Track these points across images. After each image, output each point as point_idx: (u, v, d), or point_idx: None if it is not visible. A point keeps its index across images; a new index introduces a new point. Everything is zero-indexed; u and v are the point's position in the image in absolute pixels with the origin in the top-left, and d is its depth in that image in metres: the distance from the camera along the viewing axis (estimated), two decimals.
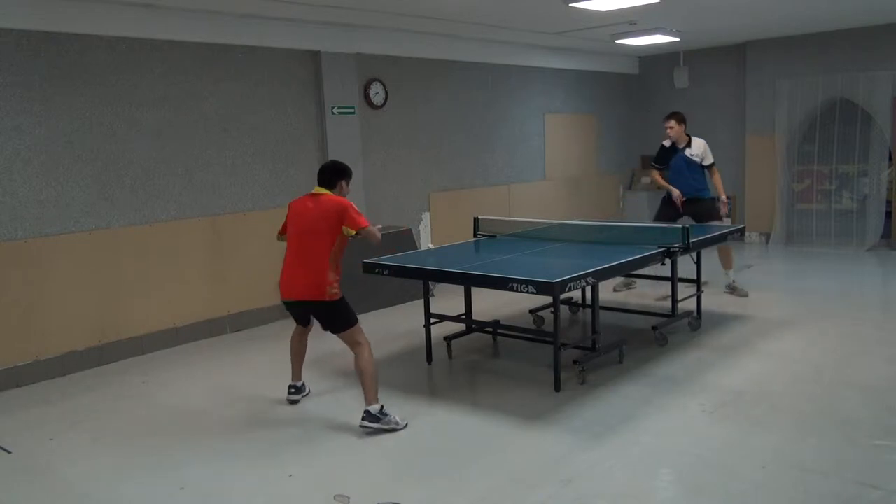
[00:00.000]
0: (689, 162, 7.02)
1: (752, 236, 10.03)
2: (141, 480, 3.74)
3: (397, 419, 4.18)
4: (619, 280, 7.25)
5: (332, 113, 7.16)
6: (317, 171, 4.46)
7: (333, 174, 4.39)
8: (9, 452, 4.14)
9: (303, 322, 4.62)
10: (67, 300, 5.55)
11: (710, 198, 7.07)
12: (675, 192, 6.99)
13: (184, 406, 4.80)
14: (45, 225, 5.43)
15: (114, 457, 4.04)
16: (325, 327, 4.36)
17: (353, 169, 4.56)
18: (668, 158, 7.12)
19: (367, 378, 4.19)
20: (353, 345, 4.27)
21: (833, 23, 8.60)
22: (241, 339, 6.33)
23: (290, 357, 4.73)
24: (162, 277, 6.09)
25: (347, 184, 4.45)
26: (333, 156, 7.08)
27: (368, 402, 4.17)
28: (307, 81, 7.05)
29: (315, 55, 7.06)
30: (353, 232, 4.23)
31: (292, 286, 4.32)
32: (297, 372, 4.74)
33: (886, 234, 9.08)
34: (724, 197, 7.05)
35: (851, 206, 9.36)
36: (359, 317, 4.32)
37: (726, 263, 7.15)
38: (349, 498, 3.40)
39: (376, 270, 5.14)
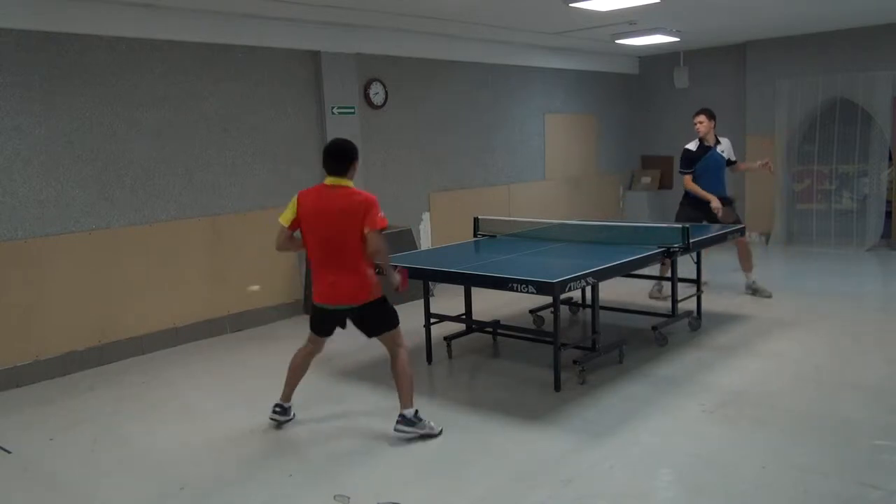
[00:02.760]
0: (722, 161, 6.86)
1: (752, 236, 10.00)
2: (141, 480, 3.74)
3: (432, 424, 4.04)
4: (653, 286, 6.90)
5: (332, 113, 7.16)
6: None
7: (347, 158, 3.93)
8: (9, 452, 4.14)
9: (327, 332, 4.17)
10: (67, 300, 5.55)
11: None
12: (715, 203, 6.52)
13: (183, 407, 4.81)
14: (45, 225, 5.43)
15: (113, 457, 4.04)
16: (370, 331, 4.09)
17: None
18: (696, 161, 6.75)
19: (405, 381, 4.02)
20: (394, 346, 4.07)
21: (833, 23, 8.59)
22: (241, 339, 6.33)
23: (286, 374, 4.24)
24: (162, 277, 6.08)
25: (357, 161, 4.02)
26: None
27: (404, 405, 4.00)
28: (307, 81, 7.05)
29: (315, 55, 7.06)
30: (367, 230, 3.86)
31: (336, 293, 3.94)
32: (289, 393, 4.28)
33: (886, 234, 9.08)
34: (715, 202, 6.53)
35: (851, 206, 9.36)
36: None
37: (747, 266, 6.90)
38: (349, 498, 3.40)
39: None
